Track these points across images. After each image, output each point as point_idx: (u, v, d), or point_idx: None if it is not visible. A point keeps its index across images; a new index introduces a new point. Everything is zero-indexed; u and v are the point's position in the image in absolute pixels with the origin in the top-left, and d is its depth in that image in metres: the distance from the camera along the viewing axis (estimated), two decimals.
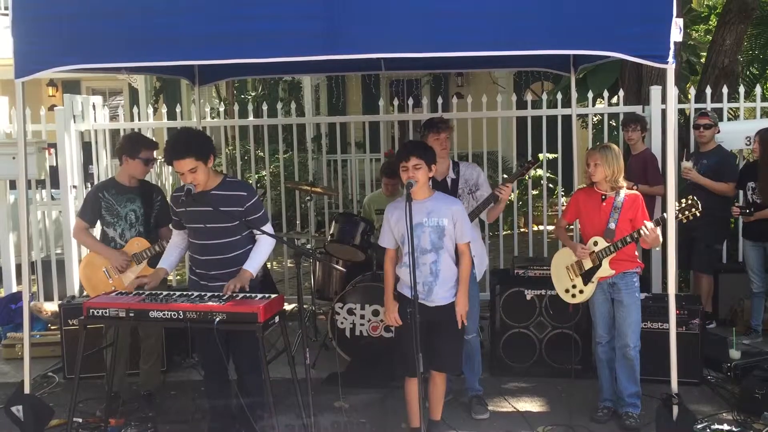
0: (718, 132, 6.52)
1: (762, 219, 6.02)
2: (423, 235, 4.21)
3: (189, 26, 3.96)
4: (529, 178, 5.76)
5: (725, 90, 7.30)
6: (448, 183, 4.93)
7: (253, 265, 4.32)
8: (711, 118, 6.51)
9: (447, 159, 5.00)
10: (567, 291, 4.90)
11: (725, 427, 4.43)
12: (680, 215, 4.54)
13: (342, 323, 5.81)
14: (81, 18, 4.02)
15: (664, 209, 5.38)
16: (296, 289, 6.55)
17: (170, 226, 4.65)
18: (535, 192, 9.75)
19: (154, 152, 5.21)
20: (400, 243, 4.33)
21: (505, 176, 8.79)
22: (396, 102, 7.93)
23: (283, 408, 4.65)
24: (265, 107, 7.86)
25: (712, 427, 4.43)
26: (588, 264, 4.74)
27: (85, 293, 5.63)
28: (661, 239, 4.52)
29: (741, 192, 6.53)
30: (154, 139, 5.48)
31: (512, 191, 4.85)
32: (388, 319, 4.36)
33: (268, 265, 6.79)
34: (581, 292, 4.81)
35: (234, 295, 4.11)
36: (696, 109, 7.12)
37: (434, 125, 4.86)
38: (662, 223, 4.50)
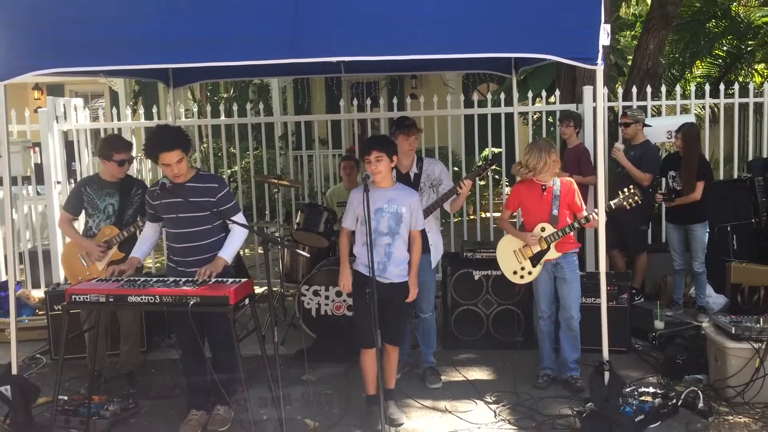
0: (642, 128, 6.55)
1: (682, 204, 6.12)
2: (382, 220, 4.24)
3: (162, 32, 3.88)
4: (490, 174, 5.69)
5: (649, 89, 7.40)
6: (411, 177, 4.92)
7: (227, 252, 4.27)
8: (630, 117, 6.52)
9: (413, 155, 4.98)
10: (515, 273, 4.90)
11: (651, 389, 4.49)
12: (625, 203, 4.73)
13: (308, 304, 5.78)
14: (59, 24, 3.91)
15: (595, 197, 5.42)
16: (266, 274, 6.52)
17: (146, 218, 4.57)
18: (482, 183, 9.79)
19: (128, 152, 5.07)
20: (359, 224, 4.34)
21: (455, 169, 8.82)
22: (356, 102, 7.88)
23: (255, 382, 4.62)
24: (235, 108, 7.76)
25: (639, 390, 4.49)
26: (536, 248, 4.78)
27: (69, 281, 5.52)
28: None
29: (663, 180, 6.62)
30: (128, 140, 5.34)
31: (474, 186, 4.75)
32: (342, 286, 4.37)
33: (240, 252, 6.72)
34: (530, 273, 4.85)
35: (207, 279, 4.05)
36: (623, 107, 7.20)
37: (407, 127, 4.84)
38: (610, 209, 4.67)
